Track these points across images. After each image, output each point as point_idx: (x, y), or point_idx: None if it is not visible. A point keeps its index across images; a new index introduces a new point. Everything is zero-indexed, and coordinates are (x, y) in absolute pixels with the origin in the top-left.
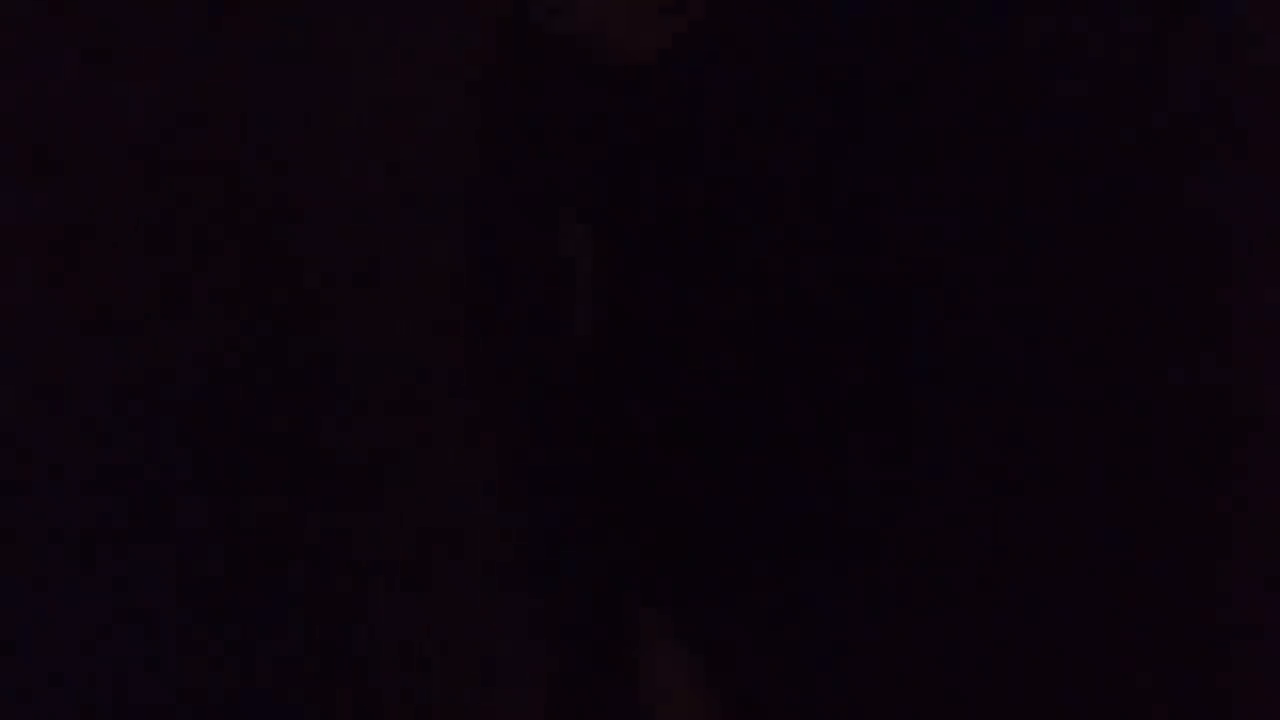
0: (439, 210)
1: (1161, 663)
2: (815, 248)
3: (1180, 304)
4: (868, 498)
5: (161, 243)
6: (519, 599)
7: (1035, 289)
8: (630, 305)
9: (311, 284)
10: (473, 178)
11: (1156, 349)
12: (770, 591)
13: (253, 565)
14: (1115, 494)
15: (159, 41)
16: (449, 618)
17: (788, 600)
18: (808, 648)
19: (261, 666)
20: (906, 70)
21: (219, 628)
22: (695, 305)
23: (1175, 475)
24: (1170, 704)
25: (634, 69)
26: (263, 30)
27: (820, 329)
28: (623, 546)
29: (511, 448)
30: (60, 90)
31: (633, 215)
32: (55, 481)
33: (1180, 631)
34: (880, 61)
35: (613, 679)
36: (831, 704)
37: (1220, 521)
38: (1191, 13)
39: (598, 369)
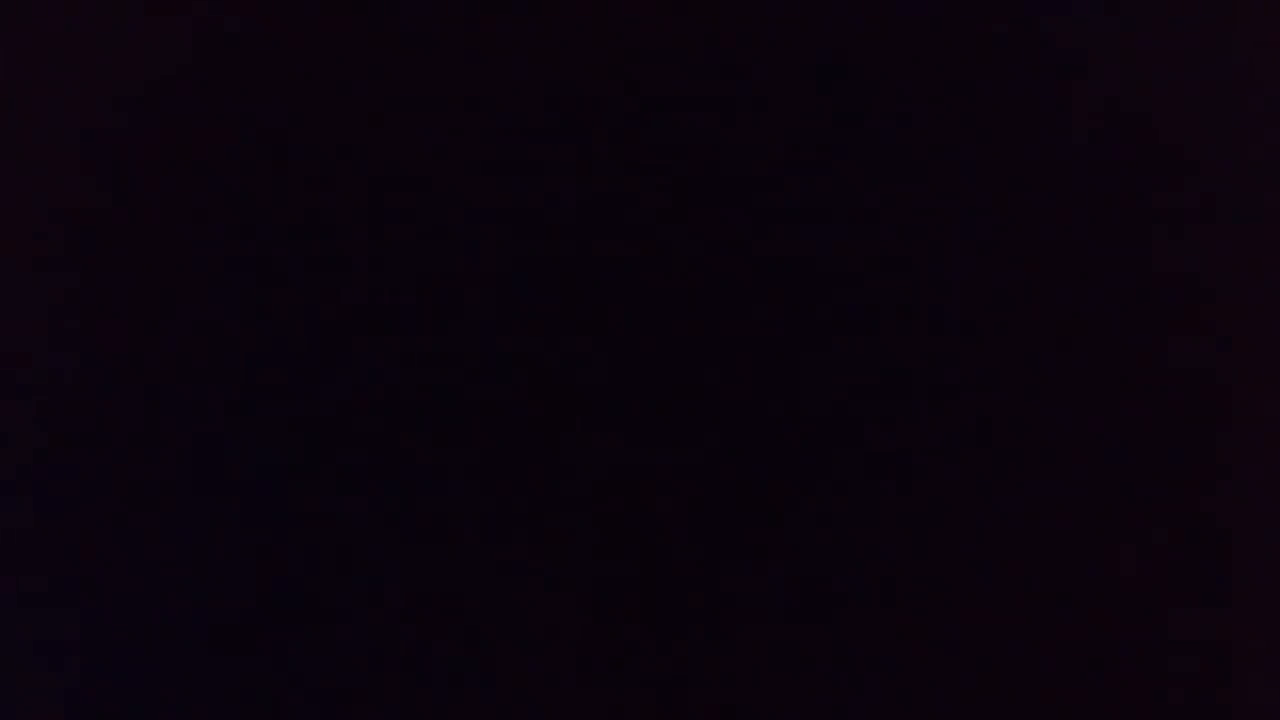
0: None
1: (1159, 661)
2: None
3: (1179, 302)
4: (864, 495)
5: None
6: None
7: (1033, 285)
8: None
9: None
10: None
11: (1155, 347)
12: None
13: None
14: (1112, 493)
15: None
16: None
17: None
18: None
19: None
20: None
21: None
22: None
23: (1173, 473)
24: (1169, 702)
25: None
26: None
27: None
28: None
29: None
30: None
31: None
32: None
33: (1178, 629)
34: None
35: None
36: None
37: (1219, 519)
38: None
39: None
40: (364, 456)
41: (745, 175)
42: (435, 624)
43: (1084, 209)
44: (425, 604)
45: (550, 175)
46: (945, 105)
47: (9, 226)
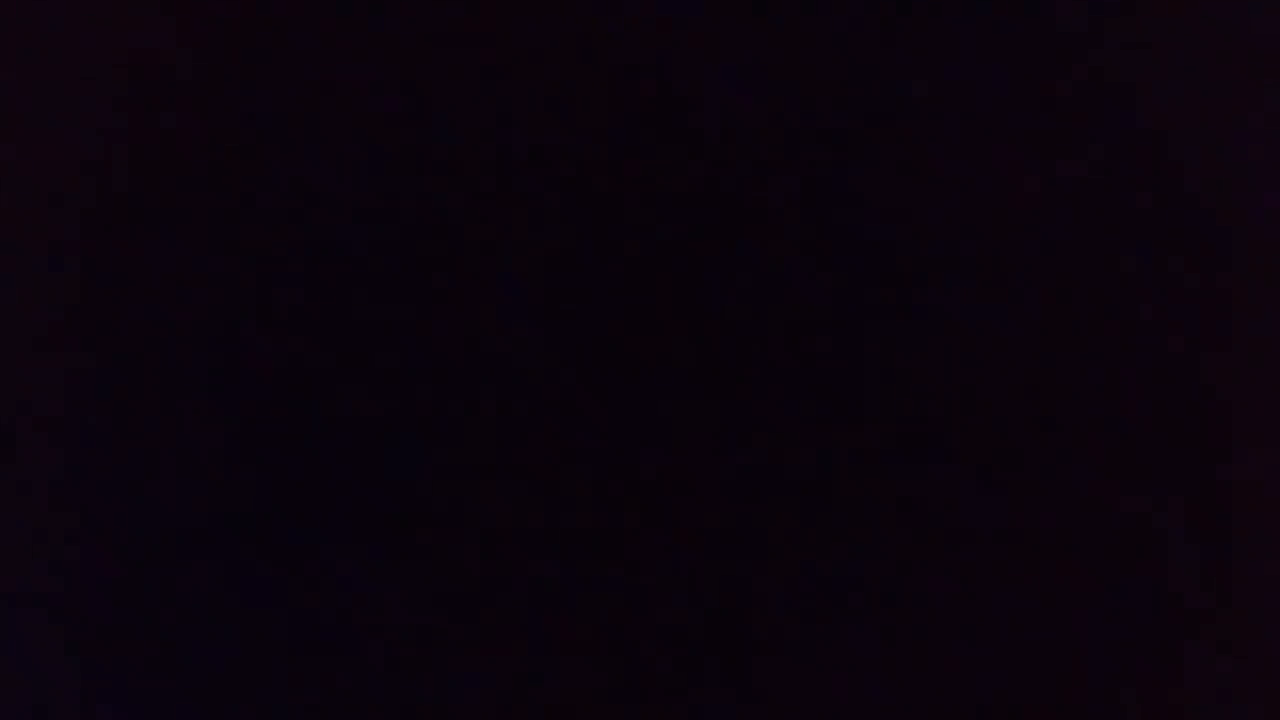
0: None
1: (1162, 660)
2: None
3: (1180, 301)
4: (873, 498)
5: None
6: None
7: (1035, 287)
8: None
9: None
10: None
11: (1157, 346)
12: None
13: None
14: (1115, 493)
15: None
16: None
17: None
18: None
19: None
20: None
21: None
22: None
23: (1174, 473)
24: (1169, 702)
25: None
26: None
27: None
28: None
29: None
30: None
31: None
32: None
33: (1181, 630)
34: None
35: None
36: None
37: (1220, 519)
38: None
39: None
40: (366, 458)
41: (752, 177)
42: (439, 626)
43: (1085, 210)
44: (429, 607)
45: (552, 175)
46: (950, 108)
47: (10, 226)
